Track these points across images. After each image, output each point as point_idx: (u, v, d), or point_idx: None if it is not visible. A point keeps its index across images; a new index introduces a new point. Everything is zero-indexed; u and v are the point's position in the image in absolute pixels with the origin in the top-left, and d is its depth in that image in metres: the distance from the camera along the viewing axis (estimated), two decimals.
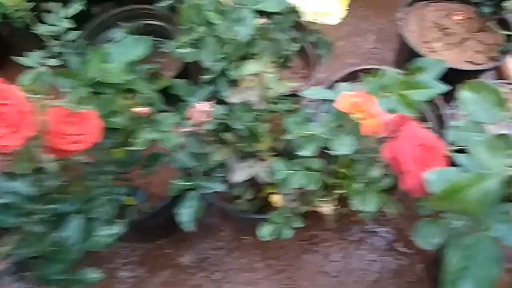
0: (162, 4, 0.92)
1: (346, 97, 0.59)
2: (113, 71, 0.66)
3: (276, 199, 0.73)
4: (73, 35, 0.90)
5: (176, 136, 0.61)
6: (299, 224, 0.70)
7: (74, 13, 0.87)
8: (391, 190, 0.65)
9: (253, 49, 0.79)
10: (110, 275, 1.03)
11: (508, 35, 1.12)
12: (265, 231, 0.69)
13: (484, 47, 1.14)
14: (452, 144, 0.60)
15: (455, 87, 0.61)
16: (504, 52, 1.11)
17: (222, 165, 0.71)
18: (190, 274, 1.03)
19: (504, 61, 1.17)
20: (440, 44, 1.16)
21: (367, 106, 0.57)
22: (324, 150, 0.64)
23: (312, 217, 1.04)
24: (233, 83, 0.76)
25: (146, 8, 1.14)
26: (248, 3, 0.72)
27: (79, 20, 1.17)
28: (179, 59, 0.96)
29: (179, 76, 1.01)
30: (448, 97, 0.89)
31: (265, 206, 0.85)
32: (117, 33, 0.85)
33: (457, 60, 1.13)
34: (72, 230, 0.61)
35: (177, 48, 0.75)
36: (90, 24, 1.10)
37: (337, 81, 0.97)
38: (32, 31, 0.87)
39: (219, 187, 0.67)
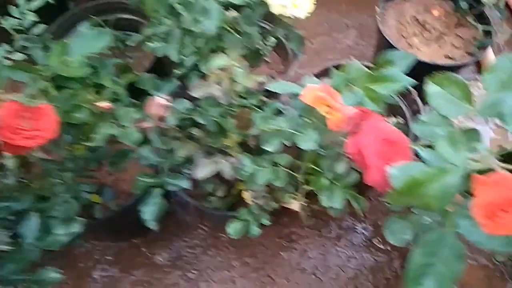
0: None
1: (311, 91, 0.57)
2: (72, 64, 0.64)
3: (247, 196, 0.72)
4: (39, 29, 0.88)
5: (136, 131, 0.59)
6: (267, 221, 0.69)
7: (39, 6, 0.84)
8: (363, 186, 0.64)
9: (222, 42, 0.78)
10: (83, 275, 1.01)
11: (486, 30, 1.12)
12: (233, 229, 0.68)
13: (463, 42, 1.14)
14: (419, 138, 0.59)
15: None
16: (482, 47, 1.10)
17: (190, 162, 0.69)
18: (165, 273, 1.01)
19: (484, 56, 1.17)
20: (419, 39, 1.15)
21: (330, 100, 0.56)
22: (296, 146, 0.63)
23: (290, 215, 1.03)
24: (205, 77, 0.74)
25: (120, 2, 1.11)
26: None
27: (55, 13, 1.15)
28: (152, 53, 0.95)
29: (152, 70, 0.98)
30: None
31: (239, 203, 0.83)
32: (83, 27, 0.83)
33: (436, 55, 1.12)
34: (29, 228, 0.59)
35: (143, 41, 0.73)
36: (62, 18, 1.07)
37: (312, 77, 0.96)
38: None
39: (185, 184, 0.65)
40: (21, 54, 0.86)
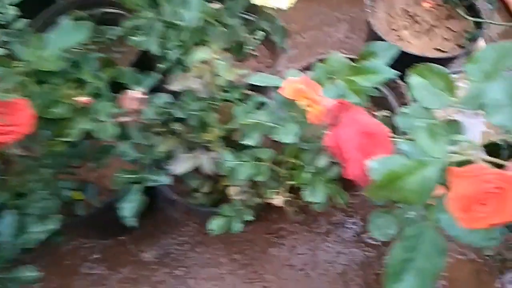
0: None
1: (290, 84, 0.56)
2: (48, 58, 0.62)
3: (231, 191, 0.70)
4: (21, 23, 0.86)
5: (113, 126, 0.58)
6: (250, 217, 0.67)
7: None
8: (349, 180, 0.62)
9: (206, 35, 0.76)
10: (70, 273, 1.00)
11: (477, 22, 1.10)
12: (215, 225, 0.67)
13: (453, 35, 1.12)
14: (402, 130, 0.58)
15: None
16: (473, 39, 1.09)
17: (171, 157, 0.68)
18: (152, 270, 1.00)
19: (475, 48, 1.16)
20: (409, 31, 1.14)
21: (310, 93, 0.54)
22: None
23: (279, 210, 1.01)
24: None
25: None
26: None
27: (41, 7, 1.13)
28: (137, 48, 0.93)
29: (137, 65, 0.97)
30: None
31: (224, 200, 0.82)
32: (63, 20, 0.81)
33: (426, 48, 1.11)
34: (5, 226, 0.57)
35: (123, 34, 0.72)
36: (46, 12, 1.06)
37: (300, 70, 0.94)
38: None
39: (165, 180, 0.64)
40: (1, 49, 0.85)
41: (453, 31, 1.12)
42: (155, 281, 0.99)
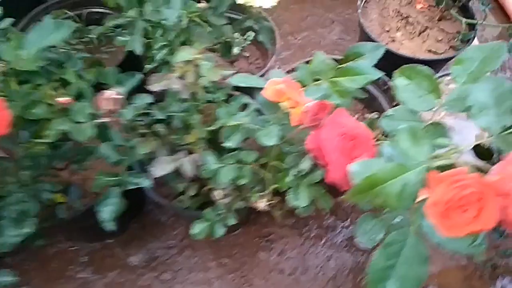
0: None
1: (272, 85, 0.55)
2: (27, 57, 0.61)
3: (214, 195, 0.69)
4: (6, 22, 0.85)
5: (91, 127, 0.56)
6: (233, 221, 0.66)
7: None
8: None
9: (190, 35, 0.75)
10: (56, 276, 0.98)
11: (470, 23, 1.09)
12: (197, 229, 0.65)
13: (446, 36, 1.11)
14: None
15: None
16: (466, 41, 1.08)
17: (153, 159, 0.66)
18: (139, 275, 0.98)
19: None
20: (401, 33, 1.12)
21: (292, 94, 0.53)
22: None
23: (269, 214, 1.00)
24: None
25: None
26: None
27: (30, 7, 1.12)
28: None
29: (124, 65, 0.95)
30: None
31: (210, 203, 0.81)
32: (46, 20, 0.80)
33: (418, 49, 1.09)
34: None
35: (106, 33, 0.70)
36: (34, 12, 1.04)
37: (288, 72, 0.93)
38: None
39: (146, 183, 0.63)
40: None
41: (446, 32, 1.11)
42: (141, 286, 0.97)
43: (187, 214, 0.82)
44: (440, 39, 1.10)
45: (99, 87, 0.72)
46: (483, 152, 0.81)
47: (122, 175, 0.63)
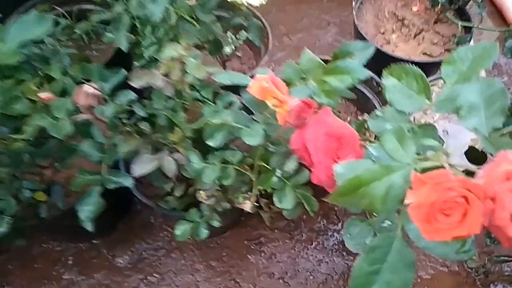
0: None
1: (257, 82, 0.53)
2: (6, 51, 0.59)
3: (199, 195, 0.67)
4: None
5: (69, 124, 0.54)
6: (217, 223, 0.64)
7: None
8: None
9: (178, 32, 0.73)
10: (40, 277, 0.96)
11: (466, 26, 1.08)
12: (180, 230, 0.63)
13: (442, 39, 1.09)
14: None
15: None
16: (461, 44, 1.06)
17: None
18: (125, 276, 0.96)
19: None
20: (397, 35, 1.11)
21: (276, 92, 0.51)
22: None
23: (259, 216, 0.99)
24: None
25: None
26: None
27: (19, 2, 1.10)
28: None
29: (113, 62, 0.94)
30: None
31: (196, 204, 0.79)
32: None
33: (413, 52, 1.08)
34: None
35: (88, 29, 0.69)
36: (22, 8, 1.03)
37: None
38: None
39: (128, 182, 0.61)
40: None
41: (442, 35, 1.10)
42: (127, 287, 0.95)
43: (173, 215, 0.80)
44: (435, 42, 1.09)
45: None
46: (478, 157, 0.79)
47: (103, 174, 0.61)
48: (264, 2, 0.68)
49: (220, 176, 0.59)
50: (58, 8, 0.99)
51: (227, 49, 1.05)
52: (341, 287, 0.97)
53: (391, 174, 0.41)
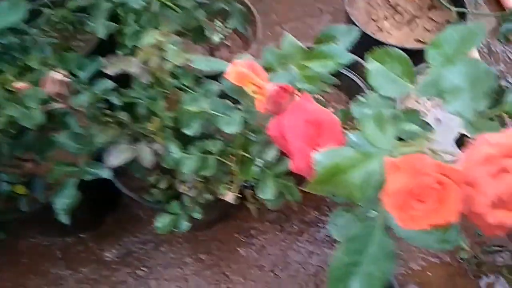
0: None
1: (234, 68, 0.51)
2: None
3: (179, 187, 0.65)
4: None
5: (40, 113, 0.53)
6: (198, 215, 0.62)
7: None
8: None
9: (158, 18, 0.71)
10: (26, 272, 0.95)
11: (460, 13, 1.05)
12: (160, 223, 0.61)
13: (435, 25, 1.07)
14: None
15: None
16: None
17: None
18: (113, 270, 0.95)
19: None
20: (389, 22, 1.08)
21: (255, 77, 0.49)
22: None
23: (250, 209, 0.97)
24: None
25: None
26: None
27: None
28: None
29: (97, 51, 0.91)
30: None
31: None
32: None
33: (406, 39, 1.05)
34: None
35: (65, 15, 0.67)
36: None
37: None
38: None
39: (105, 174, 0.59)
40: None
41: (435, 22, 1.07)
42: (115, 282, 0.94)
43: (157, 207, 0.78)
44: (429, 28, 1.06)
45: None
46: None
47: (81, 166, 0.59)
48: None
49: (200, 166, 0.57)
50: None
51: (215, 38, 1.02)
52: None
53: (369, 161, 0.39)
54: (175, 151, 0.58)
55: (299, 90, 0.54)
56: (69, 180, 0.58)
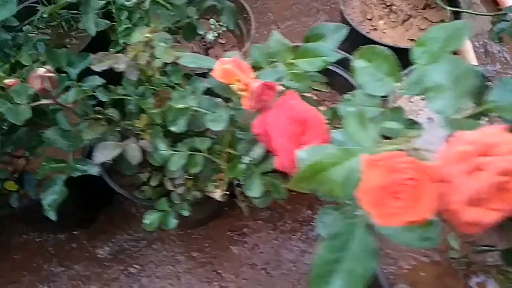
0: None
1: (220, 65, 0.51)
2: None
3: (168, 184, 0.65)
4: None
5: (27, 109, 0.53)
6: (187, 212, 0.62)
7: None
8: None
9: (151, 16, 0.72)
10: (19, 268, 0.95)
11: (455, 12, 1.05)
12: (149, 220, 0.62)
13: (430, 25, 1.07)
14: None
15: None
16: None
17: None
18: (106, 267, 0.95)
19: None
20: (384, 21, 1.08)
21: (240, 75, 0.49)
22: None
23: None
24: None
25: None
26: None
27: None
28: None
29: (89, 49, 0.92)
30: None
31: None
32: None
33: (400, 38, 1.05)
34: None
35: (54, 13, 0.67)
36: None
37: None
38: None
39: (93, 170, 0.59)
40: None
41: (430, 21, 1.07)
42: (107, 279, 0.94)
43: (148, 205, 0.78)
44: (423, 28, 1.06)
45: (59, 71, 0.68)
46: None
47: (69, 162, 0.59)
48: None
49: (187, 163, 0.57)
50: None
51: (209, 36, 1.03)
52: None
53: (351, 158, 0.40)
54: (162, 148, 0.58)
55: (287, 88, 0.54)
56: (57, 176, 0.58)
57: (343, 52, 0.81)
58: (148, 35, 0.61)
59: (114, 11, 0.79)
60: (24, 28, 0.84)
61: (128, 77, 0.61)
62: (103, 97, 0.57)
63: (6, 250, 0.97)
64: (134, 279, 0.94)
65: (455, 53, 1.20)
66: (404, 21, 1.07)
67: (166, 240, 0.98)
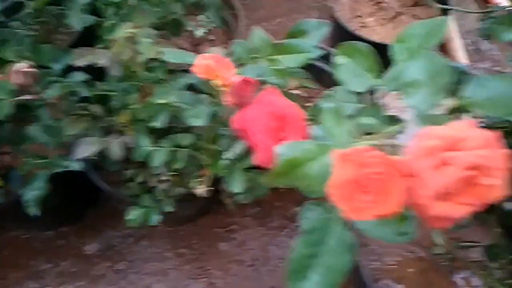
0: None
1: (201, 61, 0.51)
2: None
3: (151, 180, 0.65)
4: None
5: (9, 105, 0.52)
6: (170, 208, 0.62)
7: None
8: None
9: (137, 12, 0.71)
10: (6, 264, 0.95)
11: (445, 9, 1.05)
12: (131, 216, 0.62)
13: None
14: None
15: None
16: None
17: None
18: (93, 264, 0.95)
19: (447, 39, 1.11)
20: (373, 19, 1.08)
21: (221, 70, 0.49)
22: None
23: (233, 204, 0.97)
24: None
25: None
26: None
27: None
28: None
29: (76, 45, 0.91)
30: None
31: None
32: None
33: (389, 36, 1.05)
34: None
35: (39, 9, 0.66)
36: None
37: None
38: None
39: (76, 166, 0.59)
40: None
41: (419, 18, 1.07)
42: (95, 275, 0.94)
43: (133, 201, 0.78)
44: None
45: (44, 67, 0.68)
46: None
47: (51, 158, 0.59)
48: None
49: (170, 159, 0.57)
50: None
51: (198, 32, 1.03)
52: None
53: (326, 154, 0.40)
54: (145, 144, 0.58)
55: (270, 84, 0.54)
56: (40, 172, 0.58)
57: (330, 49, 0.82)
58: (131, 30, 0.61)
59: (100, 6, 0.79)
60: (10, 24, 0.84)
61: (110, 73, 0.62)
62: (86, 92, 0.57)
63: None
64: (121, 276, 0.94)
65: (444, 50, 1.20)
66: (393, 18, 1.08)
67: (154, 237, 0.98)
